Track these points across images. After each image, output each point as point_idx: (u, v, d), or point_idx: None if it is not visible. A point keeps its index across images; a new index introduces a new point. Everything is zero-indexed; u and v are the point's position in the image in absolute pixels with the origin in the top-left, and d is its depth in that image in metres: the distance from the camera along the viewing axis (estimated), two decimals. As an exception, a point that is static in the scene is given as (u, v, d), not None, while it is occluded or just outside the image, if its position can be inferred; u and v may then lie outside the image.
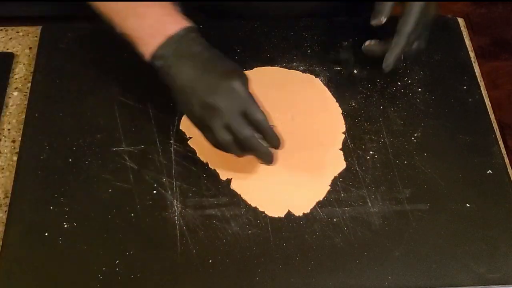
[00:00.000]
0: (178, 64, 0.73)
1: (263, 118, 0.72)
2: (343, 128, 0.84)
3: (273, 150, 0.74)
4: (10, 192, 0.78)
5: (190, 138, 0.82)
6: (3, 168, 0.81)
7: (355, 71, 0.90)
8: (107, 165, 0.80)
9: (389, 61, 0.81)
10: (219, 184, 0.79)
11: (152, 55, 0.73)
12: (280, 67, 0.91)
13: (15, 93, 0.89)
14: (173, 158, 0.80)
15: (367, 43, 0.85)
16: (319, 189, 0.78)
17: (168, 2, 0.76)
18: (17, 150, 0.82)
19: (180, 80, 0.72)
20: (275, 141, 0.74)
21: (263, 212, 0.76)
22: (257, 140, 0.72)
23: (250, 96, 0.72)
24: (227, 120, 0.70)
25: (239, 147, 0.72)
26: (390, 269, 0.72)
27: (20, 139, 0.82)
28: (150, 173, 0.79)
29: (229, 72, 0.73)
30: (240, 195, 0.78)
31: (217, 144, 0.73)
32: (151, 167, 0.79)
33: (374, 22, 0.80)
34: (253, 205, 0.77)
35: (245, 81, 0.73)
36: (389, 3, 0.79)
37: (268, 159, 0.74)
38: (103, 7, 0.77)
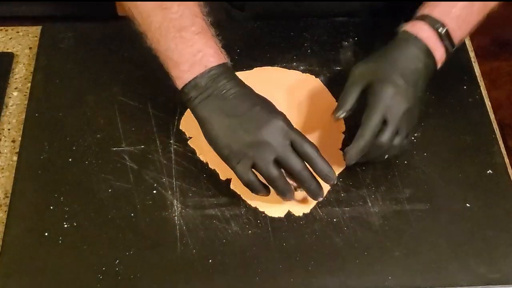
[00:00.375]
0: (213, 100, 0.71)
1: (314, 150, 0.72)
2: (343, 128, 0.84)
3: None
4: (10, 192, 0.78)
5: (190, 138, 0.82)
6: (3, 168, 0.81)
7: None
8: (107, 165, 0.80)
9: (349, 154, 0.72)
10: (219, 184, 0.79)
11: (187, 83, 0.72)
12: (280, 67, 0.91)
13: (15, 93, 0.89)
14: (173, 158, 0.80)
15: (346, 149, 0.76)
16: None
17: (213, 34, 0.75)
18: (17, 150, 0.82)
19: (216, 115, 0.71)
20: (325, 173, 0.72)
21: (263, 212, 0.76)
22: (310, 172, 0.72)
23: (296, 129, 0.72)
24: (277, 155, 0.70)
25: (285, 182, 0.72)
26: (390, 269, 0.72)
27: (20, 139, 0.82)
28: (150, 173, 0.79)
29: (271, 109, 0.73)
30: (240, 195, 0.78)
31: (250, 178, 0.71)
32: (151, 167, 0.79)
33: (335, 116, 0.75)
34: (253, 205, 0.77)
35: (285, 117, 0.73)
36: (351, 98, 0.74)
37: (318, 193, 0.74)
38: (141, 17, 0.74)
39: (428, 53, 0.75)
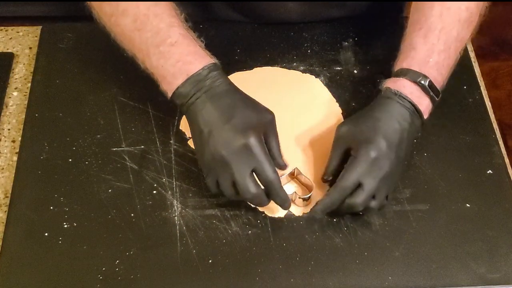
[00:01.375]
0: (197, 106, 0.72)
1: (274, 179, 0.71)
2: (343, 128, 0.84)
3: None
4: (10, 192, 0.78)
5: (190, 138, 0.82)
6: (3, 168, 0.81)
7: (355, 71, 0.90)
8: (107, 165, 0.80)
9: (314, 210, 0.74)
10: (219, 184, 0.79)
11: (173, 94, 0.73)
12: (280, 67, 0.91)
13: (15, 93, 0.89)
14: (173, 158, 0.80)
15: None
16: (319, 189, 0.78)
17: (193, 37, 0.75)
18: (17, 150, 0.82)
19: (198, 124, 0.72)
20: (284, 204, 0.73)
21: (263, 212, 0.76)
22: (264, 198, 0.73)
23: (264, 154, 0.71)
24: (235, 177, 0.70)
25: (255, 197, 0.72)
26: (390, 269, 0.72)
27: (20, 139, 0.82)
28: (150, 173, 0.79)
29: (246, 127, 0.71)
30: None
31: (217, 192, 0.74)
32: (151, 167, 0.79)
33: (323, 180, 0.77)
34: (253, 205, 0.77)
35: (261, 133, 0.72)
36: (335, 162, 0.75)
37: (282, 207, 0.74)
38: (125, 42, 0.77)
39: (413, 110, 0.74)
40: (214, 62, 0.74)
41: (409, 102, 0.74)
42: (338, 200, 0.72)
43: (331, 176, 0.76)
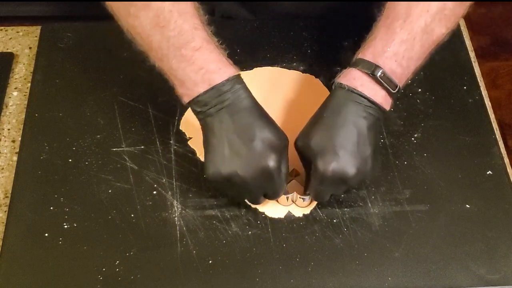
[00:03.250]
0: (217, 119, 0.70)
1: (278, 196, 0.75)
2: (343, 128, 0.84)
3: None
4: (10, 192, 0.78)
5: (190, 138, 0.82)
6: (3, 168, 0.81)
7: (355, 72, 0.90)
8: (107, 165, 0.80)
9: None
10: (219, 185, 0.79)
11: (192, 101, 0.71)
12: (280, 67, 0.91)
13: (15, 93, 0.89)
14: (173, 158, 0.80)
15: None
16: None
17: (216, 45, 0.72)
18: (17, 150, 0.82)
19: (215, 139, 0.70)
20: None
21: (263, 213, 0.76)
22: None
23: (277, 176, 0.71)
24: (248, 196, 0.73)
25: None
26: (390, 270, 0.72)
27: (20, 139, 0.82)
28: (150, 173, 0.79)
29: (266, 149, 0.69)
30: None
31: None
32: (151, 167, 0.79)
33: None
34: (253, 206, 0.77)
35: (279, 156, 0.71)
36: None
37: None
38: (140, 37, 0.72)
39: (367, 102, 0.71)
40: (237, 73, 0.72)
41: (360, 95, 0.70)
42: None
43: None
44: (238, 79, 0.72)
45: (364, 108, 0.71)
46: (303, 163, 0.76)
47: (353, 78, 0.71)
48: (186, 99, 0.71)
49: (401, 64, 0.72)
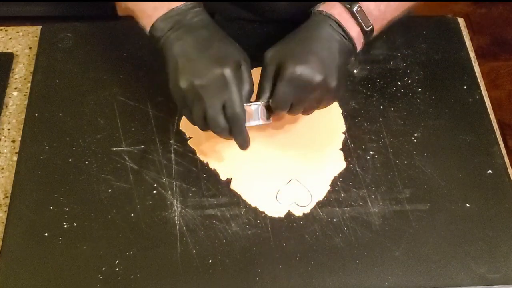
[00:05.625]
0: (174, 38, 0.72)
1: (240, 116, 0.70)
2: (343, 128, 0.84)
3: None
4: (10, 192, 0.78)
5: (190, 138, 0.82)
6: (3, 168, 0.81)
7: (355, 71, 0.90)
8: (107, 165, 0.80)
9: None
10: (219, 184, 0.79)
11: (152, 26, 0.73)
12: (280, 67, 0.90)
13: (15, 93, 0.89)
14: (173, 158, 0.80)
15: None
16: (319, 189, 0.78)
17: None
18: (17, 150, 0.82)
19: (173, 55, 0.71)
20: (241, 143, 0.74)
21: (263, 212, 0.76)
22: (227, 135, 0.73)
23: (236, 87, 0.70)
24: (206, 109, 0.70)
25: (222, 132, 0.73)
26: (390, 269, 0.72)
27: (20, 139, 0.82)
28: (150, 173, 0.79)
29: (222, 58, 0.71)
30: (240, 195, 0.78)
31: (193, 123, 0.74)
32: (151, 167, 0.79)
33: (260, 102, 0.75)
34: (253, 205, 0.77)
35: (237, 67, 0.71)
36: (268, 85, 0.74)
37: (242, 144, 0.74)
38: None
39: (341, 30, 0.74)
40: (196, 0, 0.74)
41: (336, 22, 0.73)
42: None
43: (267, 100, 0.74)
44: (197, 4, 0.73)
45: (338, 34, 0.74)
46: (266, 73, 0.74)
47: (332, 7, 0.74)
48: (147, 27, 0.73)
49: (379, 7, 0.75)
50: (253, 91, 0.74)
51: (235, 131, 0.72)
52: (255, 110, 0.74)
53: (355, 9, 0.74)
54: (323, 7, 0.76)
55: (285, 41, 0.75)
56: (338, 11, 0.74)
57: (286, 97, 0.72)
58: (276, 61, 0.73)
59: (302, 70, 0.70)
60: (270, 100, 0.73)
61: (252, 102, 0.74)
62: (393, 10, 0.78)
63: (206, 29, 0.73)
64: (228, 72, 0.70)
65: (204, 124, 0.72)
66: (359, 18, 0.74)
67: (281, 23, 0.94)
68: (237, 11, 0.95)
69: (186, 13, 0.72)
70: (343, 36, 0.74)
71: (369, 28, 0.75)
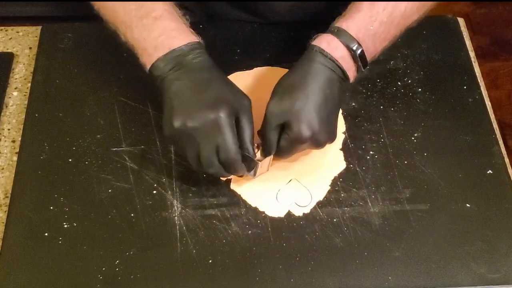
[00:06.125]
0: (173, 78, 0.71)
1: (232, 161, 0.71)
2: (343, 128, 0.84)
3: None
4: (10, 192, 0.78)
5: (190, 138, 0.82)
6: (3, 168, 0.81)
7: (355, 71, 0.90)
8: (107, 165, 0.80)
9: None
10: (219, 184, 0.79)
11: (152, 66, 0.72)
12: (280, 67, 0.90)
13: (15, 93, 0.89)
14: (173, 158, 0.80)
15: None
16: (319, 189, 0.78)
17: (178, 15, 0.75)
18: (17, 150, 0.82)
19: (170, 95, 0.71)
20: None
21: (263, 212, 0.76)
22: (224, 175, 0.74)
23: (230, 132, 0.70)
24: (200, 151, 0.70)
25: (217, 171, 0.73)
26: (390, 269, 0.72)
27: (20, 139, 0.82)
28: (150, 173, 0.79)
29: (218, 101, 0.70)
30: (240, 195, 0.78)
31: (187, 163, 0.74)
32: (151, 167, 0.79)
33: (260, 158, 0.76)
34: (253, 205, 0.77)
35: (234, 111, 0.70)
36: (274, 141, 0.74)
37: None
38: (108, 14, 0.76)
39: (341, 74, 0.74)
40: (198, 40, 0.73)
41: (338, 66, 0.73)
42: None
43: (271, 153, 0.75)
44: (198, 44, 0.73)
45: (337, 77, 0.74)
46: (271, 129, 0.73)
47: (335, 48, 0.73)
48: (148, 66, 0.73)
49: (375, 44, 0.75)
50: (254, 134, 0.74)
51: (230, 172, 0.73)
52: (264, 162, 0.76)
53: (358, 52, 0.73)
54: (326, 45, 0.74)
55: (287, 91, 0.73)
56: (340, 55, 0.73)
57: (290, 151, 0.75)
58: (281, 119, 0.72)
59: (305, 131, 0.71)
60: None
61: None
62: (387, 42, 0.78)
63: (206, 71, 0.72)
64: (222, 116, 0.69)
65: (198, 163, 0.72)
66: (359, 62, 0.74)
67: (281, 25, 0.95)
68: (236, 14, 0.95)
69: (187, 54, 0.72)
70: (342, 77, 0.74)
71: (366, 68, 0.76)
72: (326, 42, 0.74)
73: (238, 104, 0.72)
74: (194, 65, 0.72)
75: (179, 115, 0.70)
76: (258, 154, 0.76)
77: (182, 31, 0.73)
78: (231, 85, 0.74)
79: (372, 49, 0.75)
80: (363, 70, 0.75)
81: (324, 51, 0.73)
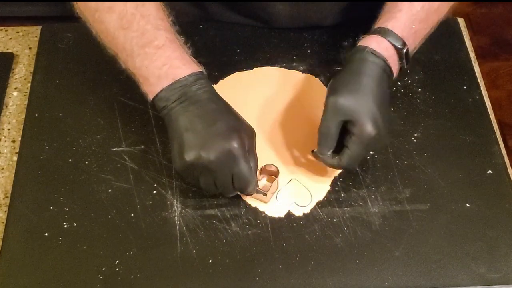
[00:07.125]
0: (180, 110, 0.70)
1: (247, 186, 0.72)
2: (343, 128, 0.84)
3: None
4: (10, 192, 0.78)
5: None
6: (3, 168, 0.81)
7: (355, 71, 0.90)
8: (107, 165, 0.80)
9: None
10: (219, 184, 0.79)
11: (156, 96, 0.71)
12: (280, 67, 0.91)
13: (15, 93, 0.89)
14: (173, 158, 0.80)
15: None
16: (319, 189, 0.78)
17: (180, 44, 0.74)
18: (17, 150, 0.82)
19: (179, 127, 0.70)
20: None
21: (263, 212, 0.76)
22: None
23: (244, 159, 0.70)
24: (215, 181, 0.71)
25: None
26: (390, 269, 0.72)
27: (20, 139, 0.82)
28: (150, 173, 0.79)
29: (230, 132, 0.70)
30: (240, 195, 0.78)
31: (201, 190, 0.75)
32: (151, 167, 0.79)
33: (319, 154, 0.75)
34: (253, 205, 0.77)
35: (243, 141, 0.71)
36: (334, 137, 0.74)
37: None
38: (108, 40, 0.75)
39: (389, 72, 0.75)
40: (201, 70, 0.73)
41: (389, 67, 0.75)
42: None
43: (331, 151, 0.74)
44: (201, 74, 0.73)
45: (387, 75, 0.75)
46: (332, 124, 0.73)
47: (385, 49, 0.75)
48: (150, 96, 0.72)
49: (415, 41, 0.78)
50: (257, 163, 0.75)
51: (244, 194, 0.75)
52: (273, 185, 0.77)
53: (404, 52, 0.75)
54: (377, 45, 0.75)
55: (346, 88, 0.73)
56: (388, 54, 0.75)
57: (359, 153, 0.74)
58: (346, 115, 0.72)
59: (370, 128, 0.71)
60: (338, 157, 0.74)
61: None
62: (422, 39, 0.80)
63: (213, 102, 0.72)
64: (236, 147, 0.69)
65: (214, 191, 0.73)
66: (403, 59, 0.76)
67: (281, 29, 0.94)
68: (236, 18, 0.95)
69: (192, 85, 0.71)
70: (390, 75, 0.76)
71: (406, 66, 0.78)
72: (376, 43, 0.75)
73: (246, 134, 0.72)
74: (200, 96, 0.71)
75: (192, 147, 0.69)
76: (264, 180, 0.78)
77: (185, 61, 0.72)
78: (237, 114, 0.74)
79: (413, 46, 0.77)
80: (405, 67, 0.77)
81: (376, 51, 0.74)
